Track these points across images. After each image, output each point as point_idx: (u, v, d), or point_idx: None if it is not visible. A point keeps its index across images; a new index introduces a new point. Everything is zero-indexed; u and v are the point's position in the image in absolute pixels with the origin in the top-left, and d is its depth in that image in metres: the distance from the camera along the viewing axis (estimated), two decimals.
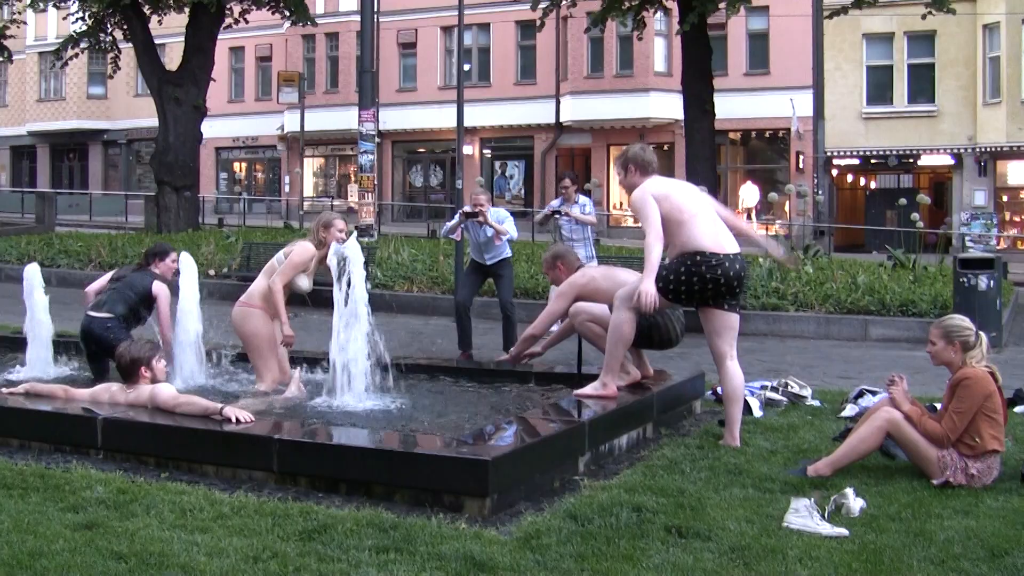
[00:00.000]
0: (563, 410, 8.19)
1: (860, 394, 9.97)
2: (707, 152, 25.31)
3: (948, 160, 38.73)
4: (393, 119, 45.83)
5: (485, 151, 46.46)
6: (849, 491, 6.57)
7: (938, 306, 16.62)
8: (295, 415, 8.43)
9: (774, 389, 10.31)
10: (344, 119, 43.95)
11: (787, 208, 38.00)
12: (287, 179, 49.86)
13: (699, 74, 25.01)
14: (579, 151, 44.48)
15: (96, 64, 49.57)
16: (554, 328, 10.15)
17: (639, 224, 8.27)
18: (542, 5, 25.77)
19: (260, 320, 9.59)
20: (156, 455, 7.42)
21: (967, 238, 35.58)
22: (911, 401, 7.37)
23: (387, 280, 20.01)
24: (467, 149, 41.93)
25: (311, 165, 50.65)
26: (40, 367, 10.47)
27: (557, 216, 14.53)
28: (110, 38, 33.00)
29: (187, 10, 30.30)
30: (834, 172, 40.60)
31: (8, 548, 5.48)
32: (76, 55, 33.26)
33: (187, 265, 10.14)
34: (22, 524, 5.90)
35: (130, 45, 31.60)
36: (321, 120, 45.62)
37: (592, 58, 42.13)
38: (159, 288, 10.09)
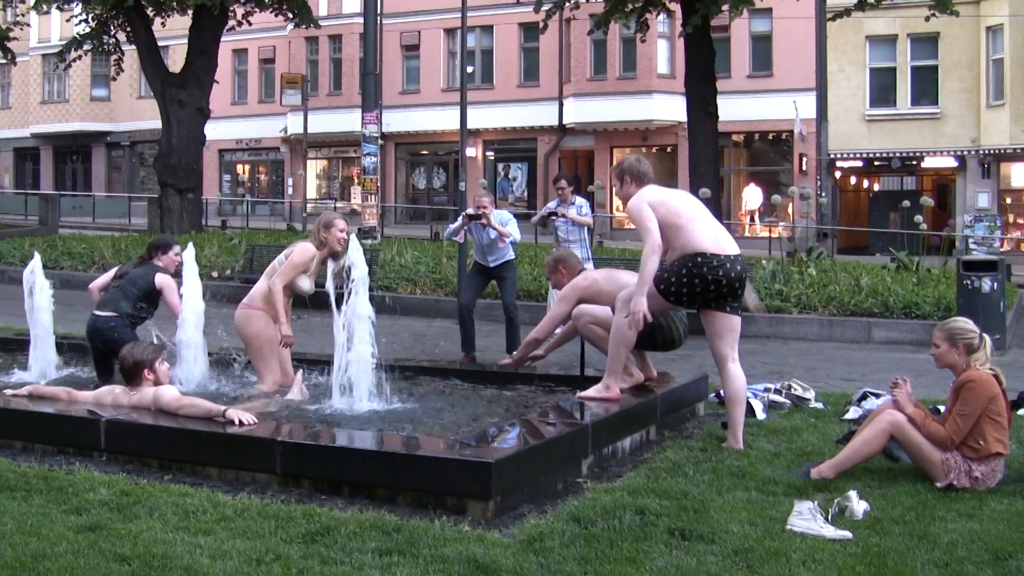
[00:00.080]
0: (566, 412, 8.18)
1: (863, 396, 9.97)
2: (710, 154, 25.29)
3: (951, 162, 38.71)
4: (396, 121, 45.84)
5: (488, 153, 46.47)
6: (853, 494, 6.56)
7: (942, 308, 16.61)
8: (298, 417, 8.43)
9: (777, 391, 10.31)
10: (347, 121, 43.96)
11: (790, 210, 37.93)
12: (290, 181, 49.88)
13: (702, 76, 25.00)
14: (582, 153, 44.47)
15: (99, 66, 49.64)
16: (557, 331, 10.15)
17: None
18: (545, 7, 25.73)
19: (261, 322, 9.58)
20: (159, 457, 7.42)
21: (971, 240, 35.54)
22: (915, 404, 7.37)
23: (390, 282, 20.01)
24: (470, 151, 41.97)
25: (314, 167, 50.66)
26: (43, 366, 10.47)
27: (553, 217, 14.52)
28: (113, 40, 33.03)
29: (190, 12, 30.30)
30: (837, 174, 40.57)
31: (11, 550, 5.48)
32: (79, 57, 33.29)
33: (189, 262, 10.11)
34: (25, 526, 5.90)
35: (133, 47, 31.61)
36: (324, 122, 45.65)
37: (595, 60, 42.12)
38: (163, 280, 10.08)
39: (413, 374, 10.42)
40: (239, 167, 54.56)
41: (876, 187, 41.61)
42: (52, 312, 10.72)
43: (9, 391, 8.87)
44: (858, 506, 6.45)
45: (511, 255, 13.51)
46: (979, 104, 37.58)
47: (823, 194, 37.87)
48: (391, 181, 47.74)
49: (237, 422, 7.34)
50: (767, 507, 6.58)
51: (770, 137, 41.43)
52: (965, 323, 7.43)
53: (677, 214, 8.21)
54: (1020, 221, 38.66)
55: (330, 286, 8.95)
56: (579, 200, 14.58)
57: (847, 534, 6.05)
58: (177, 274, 10.30)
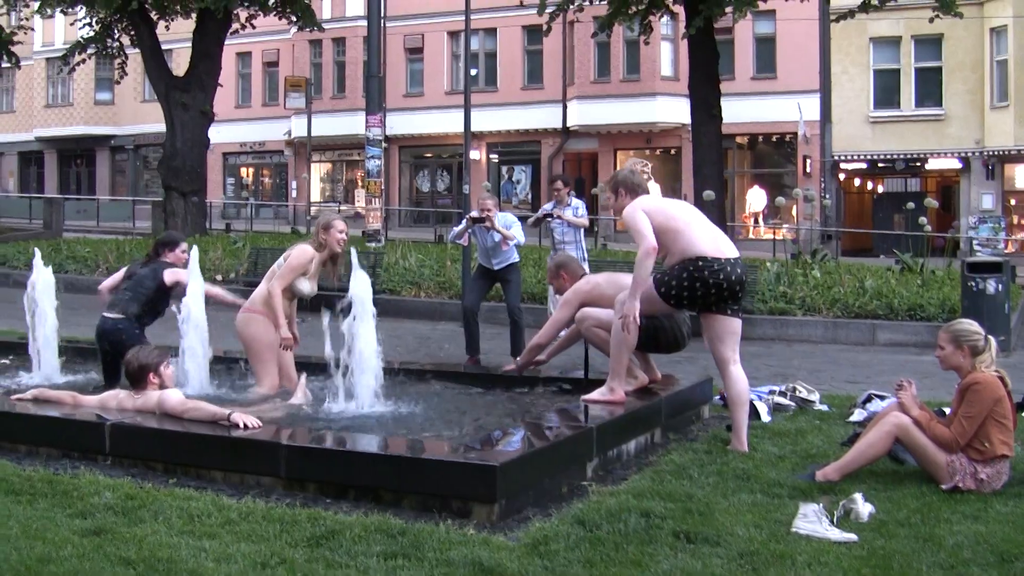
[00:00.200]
0: (571, 415, 8.17)
1: (868, 399, 9.96)
2: (714, 156, 25.29)
3: (956, 164, 38.67)
4: (400, 124, 45.86)
5: (492, 156, 46.46)
6: (858, 496, 6.56)
7: (946, 310, 16.60)
8: (303, 421, 8.43)
9: (782, 394, 10.30)
10: (351, 124, 43.96)
11: (794, 212, 37.97)
12: (294, 184, 49.89)
13: (706, 78, 25.00)
14: (586, 156, 44.47)
15: (103, 70, 49.70)
16: (562, 333, 10.15)
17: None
18: (549, 10, 25.73)
19: (261, 325, 9.57)
20: (164, 461, 7.42)
21: (975, 242, 35.51)
22: (920, 406, 7.36)
23: (394, 285, 20.02)
24: (474, 154, 41.94)
25: (318, 170, 50.67)
26: (47, 372, 10.48)
27: (549, 219, 14.51)
28: (117, 44, 33.05)
29: (194, 16, 30.33)
30: (841, 176, 40.55)
31: (16, 554, 5.48)
32: (83, 61, 33.33)
33: (193, 266, 10.09)
34: (30, 530, 5.90)
35: (137, 51, 31.65)
36: (328, 125, 45.66)
37: (599, 63, 42.12)
38: (173, 275, 10.04)
39: (417, 377, 10.42)
40: (243, 170, 54.57)
41: (880, 189, 41.57)
42: (55, 308, 10.71)
43: (14, 395, 8.87)
44: (863, 508, 6.45)
45: (515, 258, 13.50)
46: (983, 105, 37.55)
47: (827, 196, 37.84)
48: (395, 184, 47.74)
49: (242, 426, 7.34)
50: (772, 510, 6.58)
51: (774, 139, 41.42)
52: (970, 325, 7.43)
53: (674, 219, 8.25)
54: None
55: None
56: (575, 201, 14.56)
57: (852, 536, 6.04)
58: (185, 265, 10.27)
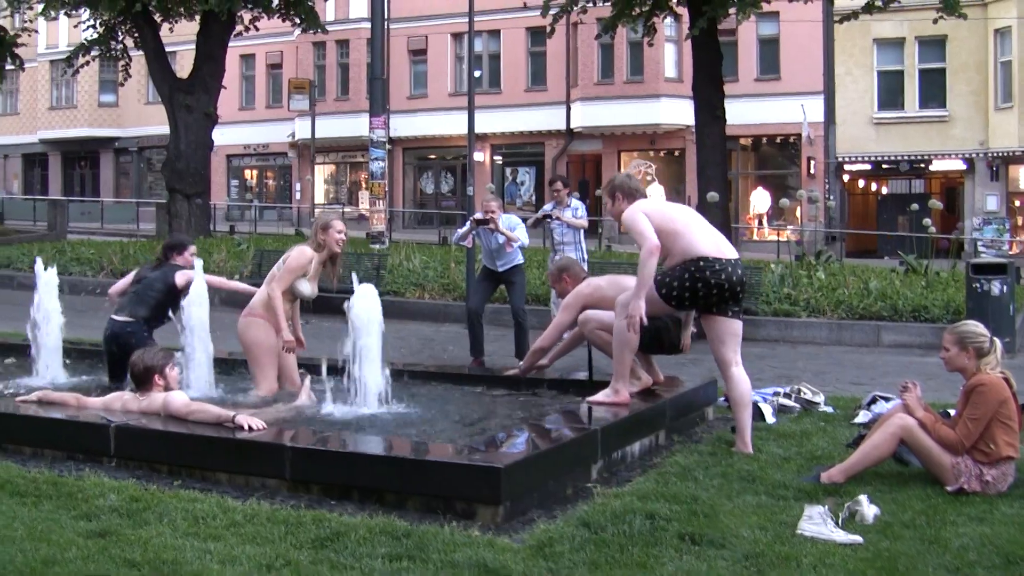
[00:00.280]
0: (575, 417, 8.17)
1: (873, 400, 9.96)
2: (718, 158, 25.23)
3: (960, 165, 38.67)
4: (404, 126, 45.87)
5: (496, 157, 46.48)
6: (863, 498, 6.55)
7: (951, 312, 16.59)
8: (307, 423, 8.42)
9: (787, 396, 10.29)
10: (355, 126, 44.00)
11: (799, 214, 38.00)
12: (298, 186, 49.91)
13: (709, 79, 24.95)
14: (590, 157, 44.48)
15: (107, 72, 49.70)
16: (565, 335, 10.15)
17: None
18: (552, 12, 25.70)
19: (261, 330, 9.55)
20: (169, 463, 7.42)
21: (979, 243, 35.50)
22: (925, 407, 7.35)
23: (398, 287, 20.02)
24: (478, 156, 41.98)
25: (322, 172, 50.70)
26: (52, 375, 10.48)
27: (548, 220, 14.50)
28: (121, 46, 33.05)
29: (198, 18, 30.35)
30: (845, 177, 40.54)
31: (22, 556, 5.48)
32: (87, 63, 33.31)
33: (197, 271, 10.10)
34: (35, 532, 5.90)
35: (141, 53, 31.66)
36: (332, 127, 45.68)
37: (602, 64, 42.14)
38: (184, 277, 10.03)
39: (422, 379, 10.42)
40: (247, 172, 54.62)
41: (884, 190, 41.58)
42: (60, 312, 10.72)
43: (18, 397, 8.87)
44: (868, 510, 6.44)
45: (520, 260, 13.50)
46: (987, 107, 37.54)
47: (831, 197, 37.84)
48: (399, 186, 47.75)
49: (246, 428, 7.34)
50: (777, 511, 6.57)
51: (778, 140, 41.42)
52: (975, 326, 7.42)
53: (674, 221, 8.29)
54: None
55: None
56: (575, 202, 14.55)
57: (858, 538, 6.04)
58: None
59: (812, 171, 39.76)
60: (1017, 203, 38.44)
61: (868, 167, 40.21)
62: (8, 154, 60.93)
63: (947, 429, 7.17)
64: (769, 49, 40.74)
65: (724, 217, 24.23)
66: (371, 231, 24.80)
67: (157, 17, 30.59)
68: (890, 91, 39.38)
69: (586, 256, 14.73)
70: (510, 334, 13.66)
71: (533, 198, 45.05)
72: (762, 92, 39.65)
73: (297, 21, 32.36)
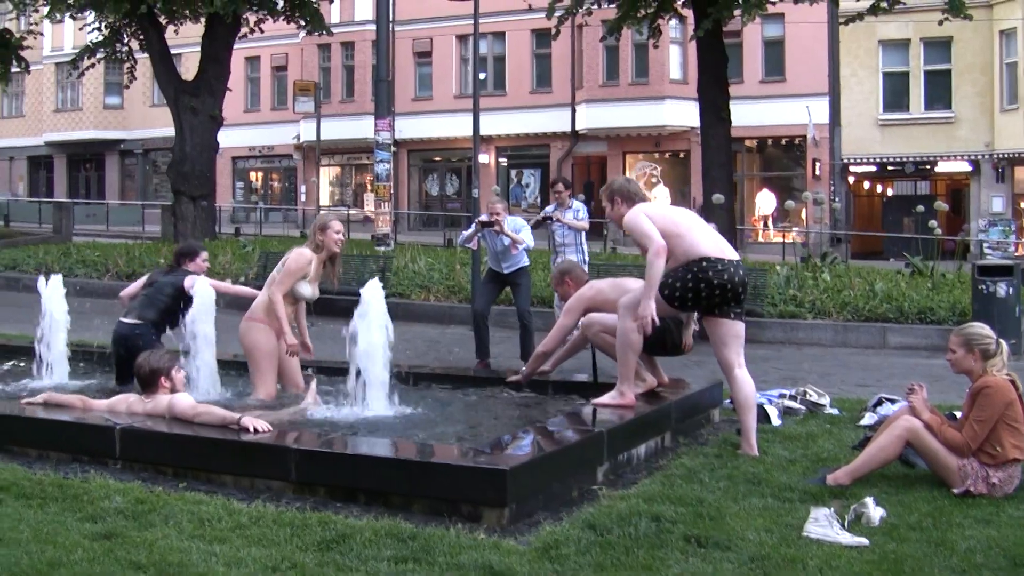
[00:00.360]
0: (581, 419, 8.16)
1: (879, 402, 9.94)
2: (723, 159, 25.22)
3: (965, 167, 38.62)
4: (409, 128, 45.87)
5: (501, 160, 46.49)
6: (869, 500, 6.55)
7: (957, 313, 16.57)
8: (312, 425, 8.42)
9: (792, 398, 10.28)
10: (360, 128, 43.98)
11: (804, 216, 37.98)
12: (303, 188, 49.93)
13: (714, 81, 24.94)
14: (595, 159, 44.47)
15: (112, 74, 49.77)
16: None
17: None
18: (557, 14, 25.70)
19: (261, 334, 9.52)
20: (174, 465, 7.42)
21: (985, 245, 35.44)
22: (931, 410, 7.34)
23: (403, 289, 20.01)
24: (483, 158, 41.98)
25: (327, 174, 50.72)
26: (58, 377, 10.49)
27: (549, 221, 14.49)
28: (126, 48, 33.06)
29: (203, 20, 30.36)
30: (851, 179, 40.50)
31: (27, 558, 5.48)
32: (92, 65, 33.35)
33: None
34: (41, 534, 5.91)
35: (146, 55, 31.65)
36: (337, 129, 45.69)
37: (607, 66, 42.13)
38: (192, 281, 10.03)
39: (427, 381, 10.42)
40: (252, 174, 54.66)
41: (890, 192, 41.54)
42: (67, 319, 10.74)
43: (24, 399, 8.88)
44: (875, 512, 6.44)
45: (525, 262, 13.50)
46: (993, 108, 37.49)
47: (836, 199, 37.79)
48: (404, 188, 47.77)
49: (252, 430, 7.34)
50: (783, 514, 6.57)
51: (783, 142, 41.39)
52: (981, 328, 7.41)
53: (676, 223, 8.31)
54: None
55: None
56: (576, 204, 14.52)
57: (864, 541, 6.03)
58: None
59: (817, 173, 39.72)
60: (1023, 204, 38.37)
61: (873, 169, 40.17)
62: (14, 156, 60.97)
63: (953, 431, 7.16)
64: (774, 51, 40.72)
65: (729, 219, 24.23)
66: (376, 233, 24.78)
67: (162, 19, 30.59)
68: (895, 93, 39.35)
69: (587, 258, 14.71)
70: (515, 336, 13.65)
71: (538, 200, 45.02)
72: (767, 94, 39.63)
73: (302, 23, 32.34)
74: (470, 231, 13.70)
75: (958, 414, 7.75)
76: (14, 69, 37.25)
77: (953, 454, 7.12)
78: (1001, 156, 37.23)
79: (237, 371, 10.32)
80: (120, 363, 10.02)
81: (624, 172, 41.94)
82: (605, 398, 8.48)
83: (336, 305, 16.43)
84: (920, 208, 25.82)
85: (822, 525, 6.18)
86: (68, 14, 31.68)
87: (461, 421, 8.86)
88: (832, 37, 38.56)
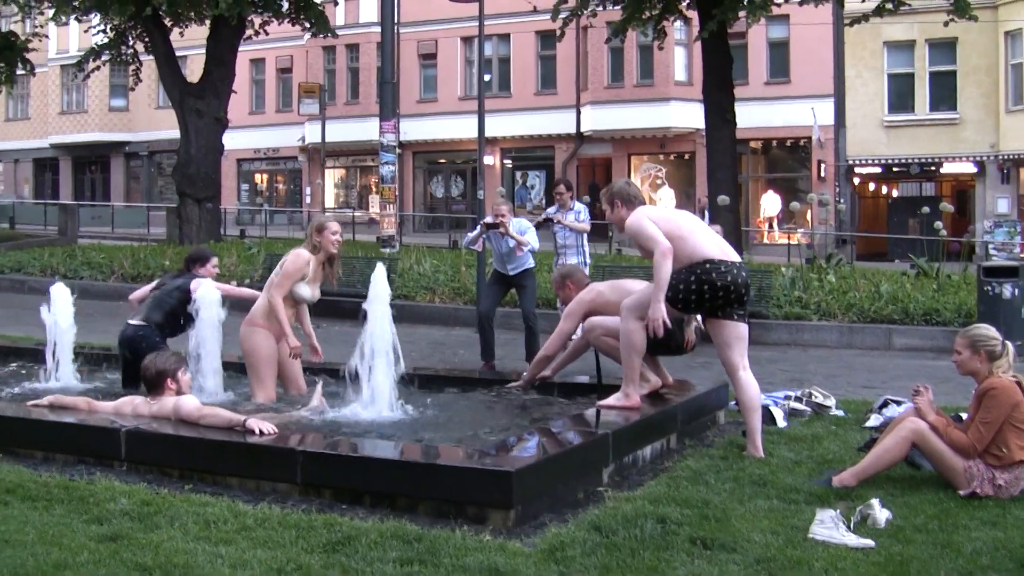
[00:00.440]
0: (586, 421, 8.16)
1: (884, 404, 9.92)
2: (728, 161, 25.23)
3: (971, 168, 38.58)
4: (414, 130, 45.88)
5: (506, 161, 46.50)
6: (875, 502, 6.54)
7: (962, 315, 16.55)
8: (318, 427, 8.43)
9: (798, 399, 10.26)
10: (365, 130, 43.96)
11: (809, 217, 37.94)
12: (308, 190, 49.98)
13: (719, 83, 24.95)
14: (600, 161, 44.49)
15: (118, 76, 49.83)
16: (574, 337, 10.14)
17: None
18: (562, 15, 25.72)
19: (260, 338, 9.49)
20: (180, 467, 7.43)
21: (991, 246, 35.37)
22: (936, 411, 7.33)
23: (409, 291, 20.01)
24: (488, 159, 41.98)
25: (332, 176, 50.76)
26: (64, 379, 10.50)
27: (551, 223, 14.49)
28: (131, 50, 33.11)
29: (208, 22, 30.39)
30: (856, 180, 40.47)
31: (33, 560, 5.49)
32: (98, 68, 33.38)
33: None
34: (46, 536, 5.91)
35: (151, 57, 31.73)
36: (342, 131, 45.71)
37: (612, 68, 42.14)
38: (197, 284, 10.02)
39: (432, 383, 10.42)
40: (257, 176, 54.71)
41: (895, 193, 41.50)
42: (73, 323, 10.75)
43: (30, 401, 8.89)
44: (880, 514, 6.43)
45: (530, 263, 13.50)
46: (998, 109, 37.46)
47: (842, 200, 37.77)
48: (409, 190, 47.80)
49: (257, 432, 7.34)
50: (789, 515, 6.56)
51: (788, 144, 41.37)
52: (987, 330, 7.40)
53: (679, 226, 8.31)
54: None
55: None
56: (578, 206, 14.52)
57: (869, 542, 6.02)
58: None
59: (822, 174, 39.72)
60: None
61: (878, 170, 40.14)
62: (19, 159, 61.07)
63: (959, 433, 7.15)
64: (779, 52, 40.72)
65: (734, 220, 24.23)
66: (381, 235, 24.81)
67: (167, 21, 30.64)
68: (900, 94, 39.32)
69: (588, 260, 14.72)
70: (521, 338, 13.65)
71: (543, 202, 44.98)
72: (772, 95, 39.62)
73: (307, 25, 32.41)
74: (475, 233, 13.71)
75: (964, 416, 7.74)
76: (19, 72, 37.29)
77: (959, 456, 7.11)
78: (1006, 157, 37.19)
79: (242, 373, 10.32)
80: (126, 365, 10.02)
81: (629, 174, 42.00)
82: (610, 400, 8.48)
83: (341, 307, 16.48)
84: (925, 209, 25.72)
85: (828, 527, 6.17)
86: (73, 16, 31.74)
87: (466, 423, 8.86)
88: (837, 38, 38.54)
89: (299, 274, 9.50)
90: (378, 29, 29.85)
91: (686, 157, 42.54)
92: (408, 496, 6.60)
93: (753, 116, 34.53)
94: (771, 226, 41.05)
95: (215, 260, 10.57)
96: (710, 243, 8.30)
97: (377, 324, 8.71)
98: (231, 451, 7.32)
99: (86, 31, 35.54)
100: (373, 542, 5.82)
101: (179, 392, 8.12)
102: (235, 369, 10.32)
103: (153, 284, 10.71)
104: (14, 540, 5.83)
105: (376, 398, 8.69)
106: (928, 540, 6.11)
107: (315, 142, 44.83)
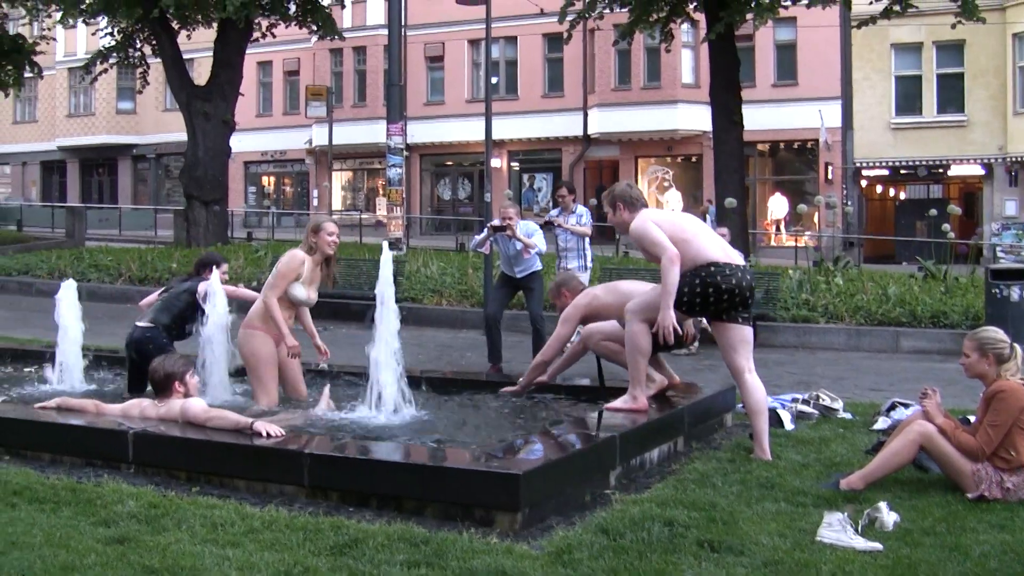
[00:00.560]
0: (594, 424, 8.14)
1: (892, 407, 9.91)
2: (735, 163, 25.21)
3: (978, 170, 38.52)
4: (421, 132, 45.90)
5: (513, 164, 46.49)
6: (883, 505, 6.53)
7: (970, 317, 16.53)
8: (325, 429, 8.43)
9: (805, 402, 10.26)
10: (372, 133, 44.02)
11: (816, 219, 37.90)
12: (315, 193, 50.01)
13: (727, 85, 24.93)
14: (607, 163, 44.46)
15: (125, 79, 49.86)
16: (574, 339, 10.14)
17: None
18: (569, 18, 25.71)
19: (258, 341, 9.43)
20: (187, 469, 7.43)
21: (998, 248, 35.32)
22: (944, 414, 7.32)
23: (416, 294, 20.01)
24: (495, 162, 41.96)
25: (339, 179, 50.78)
26: (71, 381, 10.51)
27: (550, 226, 14.49)
28: (139, 53, 33.17)
29: (215, 25, 30.43)
30: (863, 183, 40.42)
31: (41, 562, 5.50)
32: (105, 70, 33.43)
33: (215, 278, 10.09)
34: (54, 538, 5.92)
35: (159, 60, 31.75)
36: (349, 134, 45.71)
37: (619, 70, 42.12)
38: (203, 287, 10.01)
39: (440, 386, 10.41)
40: (264, 179, 54.76)
41: (902, 196, 41.44)
42: (80, 325, 10.77)
43: (37, 403, 8.89)
44: (888, 517, 6.42)
45: (538, 266, 13.49)
46: (1006, 111, 37.40)
47: (849, 203, 37.75)
48: (416, 192, 47.81)
49: (265, 434, 7.34)
50: (796, 518, 6.55)
51: (795, 146, 41.34)
52: (995, 333, 7.38)
53: (683, 229, 8.31)
54: None
55: None
56: (580, 209, 14.53)
57: (877, 545, 6.01)
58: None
59: (830, 176, 39.69)
60: None
61: (886, 172, 40.09)
62: (27, 161, 61.15)
63: (967, 436, 7.13)
64: (786, 54, 40.68)
65: (742, 223, 24.21)
66: (389, 238, 24.78)
67: (174, 24, 30.68)
68: (908, 96, 39.27)
69: (589, 264, 14.72)
70: (528, 340, 13.64)
71: (550, 204, 44.98)
72: (779, 97, 39.59)
73: (314, 28, 32.41)
74: (482, 235, 13.72)
75: (972, 418, 7.73)
76: (27, 74, 37.38)
77: (967, 459, 7.09)
78: (1014, 159, 37.13)
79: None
80: (133, 367, 10.02)
81: (636, 176, 42.00)
82: (618, 403, 8.48)
83: (350, 308, 16.51)
84: (933, 212, 25.64)
85: (836, 530, 6.17)
86: (81, 19, 31.76)
87: (473, 425, 8.86)
88: (844, 41, 38.50)
89: (293, 275, 9.41)
90: (385, 31, 29.81)
91: (693, 159, 42.52)
92: (415, 499, 6.60)
93: (760, 118, 34.56)
94: (778, 229, 41.04)
95: (225, 266, 10.54)
96: (714, 246, 8.30)
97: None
98: (238, 453, 7.33)
99: (93, 34, 35.57)
100: (380, 545, 5.82)
101: (187, 395, 8.12)
102: (243, 371, 10.32)
103: (162, 288, 10.73)
104: (22, 542, 5.84)
105: (383, 401, 8.68)
106: (936, 543, 6.10)
107: (322, 145, 44.83)
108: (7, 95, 39.63)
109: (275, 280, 9.40)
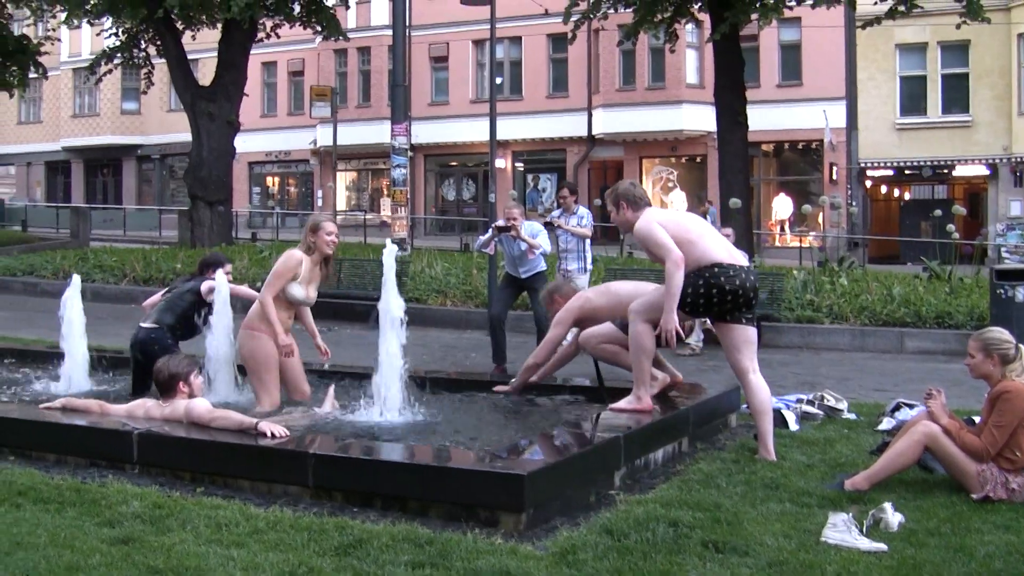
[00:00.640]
0: (598, 424, 8.14)
1: (897, 407, 9.90)
2: (740, 164, 25.21)
3: (983, 170, 38.51)
4: (425, 133, 45.93)
5: (517, 164, 46.50)
6: (887, 505, 6.52)
7: (974, 318, 16.51)
8: (330, 430, 8.43)
9: (810, 402, 10.25)
10: (376, 133, 44.04)
11: (821, 220, 37.85)
12: (320, 193, 50.03)
13: (731, 85, 24.93)
14: (611, 164, 44.46)
15: (130, 80, 49.99)
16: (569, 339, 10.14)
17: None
18: (574, 18, 25.72)
19: (257, 342, 9.38)
20: (191, 470, 7.43)
21: (1003, 249, 35.29)
22: (949, 415, 7.31)
23: (420, 294, 20.01)
24: (499, 162, 42.00)
25: (344, 179, 50.81)
26: (76, 382, 10.52)
27: (550, 227, 14.48)
28: (143, 54, 33.18)
29: (220, 26, 30.44)
30: (868, 183, 40.42)
31: (45, 563, 5.50)
32: (110, 71, 33.47)
33: (221, 278, 10.10)
34: (58, 539, 5.92)
35: (163, 60, 31.77)
36: (353, 134, 45.74)
37: (624, 70, 42.12)
38: (207, 286, 10.00)
39: (444, 386, 10.41)
40: (269, 179, 54.79)
41: (907, 196, 41.43)
42: (83, 325, 10.77)
43: (42, 404, 8.90)
44: (893, 518, 6.41)
45: (542, 266, 13.48)
46: (1011, 112, 37.37)
47: (853, 203, 37.74)
48: (421, 193, 47.84)
49: (269, 435, 7.34)
50: (801, 519, 6.55)
51: (800, 146, 41.34)
52: (1000, 333, 7.37)
53: (687, 230, 8.29)
54: None
55: None
56: (581, 210, 14.53)
57: (882, 546, 6.00)
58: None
59: (834, 177, 39.67)
60: None
61: (891, 173, 40.08)
62: (31, 162, 61.28)
63: (972, 436, 7.13)
64: (791, 55, 40.67)
65: (746, 223, 24.19)
66: (393, 238, 24.78)
67: (179, 25, 30.71)
68: (913, 96, 39.26)
69: (589, 266, 14.71)
70: (532, 341, 13.62)
71: (555, 204, 44.96)
72: (784, 98, 39.58)
73: (318, 29, 32.42)
74: (487, 236, 13.71)
75: (977, 419, 7.72)
76: (32, 75, 37.45)
77: (972, 459, 7.08)
78: (1019, 160, 37.11)
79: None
80: (137, 368, 10.01)
81: (641, 177, 42.00)
82: (622, 403, 8.47)
83: (354, 309, 16.50)
84: (937, 212, 25.64)
85: (840, 530, 6.16)
86: (85, 20, 31.80)
87: (478, 426, 8.85)
88: (849, 41, 38.49)
89: (290, 274, 9.37)
90: (389, 32, 29.81)
91: (698, 160, 42.52)
92: (419, 499, 6.59)
93: (765, 119, 34.53)
94: (783, 229, 41.02)
95: (229, 266, 10.53)
96: (719, 247, 8.29)
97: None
98: (243, 454, 7.33)
99: (98, 34, 35.57)
100: (384, 545, 5.82)
101: (191, 395, 8.12)
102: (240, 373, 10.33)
103: (165, 289, 10.73)
104: (26, 543, 5.85)
105: (388, 401, 8.68)
106: (941, 544, 6.09)
107: (327, 145, 44.83)
108: (12, 96, 39.75)
109: (271, 280, 9.38)
